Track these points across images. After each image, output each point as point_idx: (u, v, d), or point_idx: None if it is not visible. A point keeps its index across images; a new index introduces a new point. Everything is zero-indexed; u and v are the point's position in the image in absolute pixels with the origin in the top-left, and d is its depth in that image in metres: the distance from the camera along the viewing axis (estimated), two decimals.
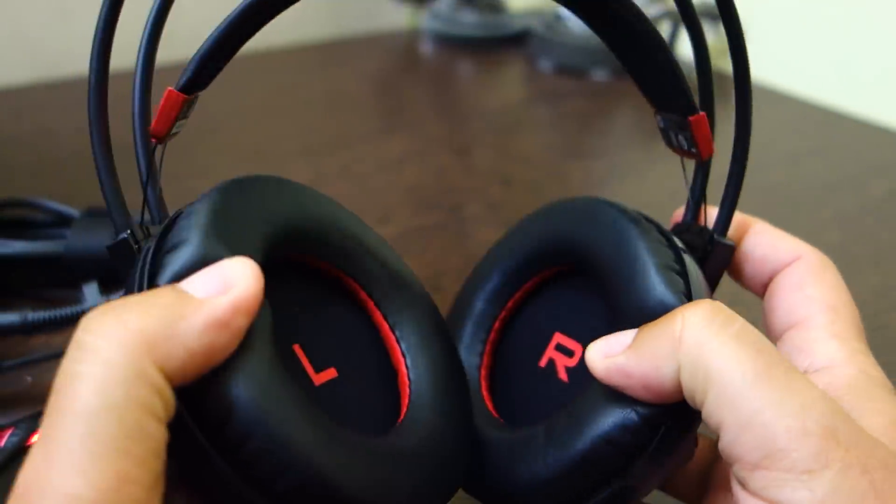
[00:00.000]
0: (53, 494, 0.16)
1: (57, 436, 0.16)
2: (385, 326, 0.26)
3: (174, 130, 0.23)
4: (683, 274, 0.23)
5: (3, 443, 0.28)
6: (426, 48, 0.86)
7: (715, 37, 0.78)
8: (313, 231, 0.25)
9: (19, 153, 0.58)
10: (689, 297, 0.23)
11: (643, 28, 0.23)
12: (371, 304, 0.26)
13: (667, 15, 0.75)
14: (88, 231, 0.40)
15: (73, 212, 0.42)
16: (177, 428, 0.18)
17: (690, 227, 0.27)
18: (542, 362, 0.27)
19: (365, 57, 0.83)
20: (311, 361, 0.24)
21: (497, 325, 0.29)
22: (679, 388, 0.21)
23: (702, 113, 0.25)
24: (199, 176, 0.55)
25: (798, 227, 0.53)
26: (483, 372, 0.28)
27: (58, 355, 0.36)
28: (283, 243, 0.24)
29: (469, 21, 0.86)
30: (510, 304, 0.29)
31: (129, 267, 0.21)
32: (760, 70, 0.78)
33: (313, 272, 0.26)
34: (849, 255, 0.48)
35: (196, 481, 0.20)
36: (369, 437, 0.22)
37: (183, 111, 0.23)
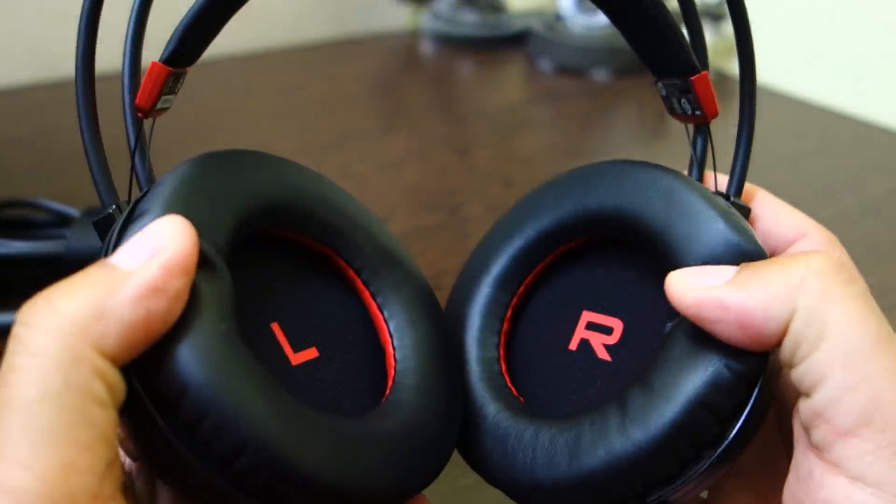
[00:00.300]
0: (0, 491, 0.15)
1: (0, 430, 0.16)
2: (373, 305, 0.25)
3: (161, 105, 0.23)
4: (743, 229, 0.22)
5: None
6: (426, 48, 0.86)
7: (716, 37, 0.78)
8: (296, 205, 0.24)
9: (19, 153, 0.58)
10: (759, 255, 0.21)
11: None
12: (359, 282, 0.25)
13: None
14: (88, 231, 0.40)
15: (73, 212, 0.42)
16: (131, 409, 0.18)
17: None
18: (573, 345, 0.25)
19: (365, 57, 0.83)
20: (289, 340, 0.23)
21: (510, 312, 0.26)
22: (779, 335, 0.19)
23: (703, 71, 0.24)
24: None
25: None
26: (503, 365, 0.26)
27: None
28: (260, 217, 0.23)
29: (469, 21, 0.86)
30: (521, 288, 0.26)
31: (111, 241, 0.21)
32: (760, 70, 0.78)
33: (298, 249, 0.25)
34: (849, 255, 0.48)
35: (154, 462, 0.19)
36: (342, 418, 0.22)
37: (168, 85, 0.22)
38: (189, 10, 0.21)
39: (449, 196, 0.55)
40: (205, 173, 0.22)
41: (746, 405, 0.20)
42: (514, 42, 0.85)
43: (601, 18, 0.79)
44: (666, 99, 0.26)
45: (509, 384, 0.25)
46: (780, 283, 0.19)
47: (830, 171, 0.61)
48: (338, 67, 0.80)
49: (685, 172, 0.26)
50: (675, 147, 0.64)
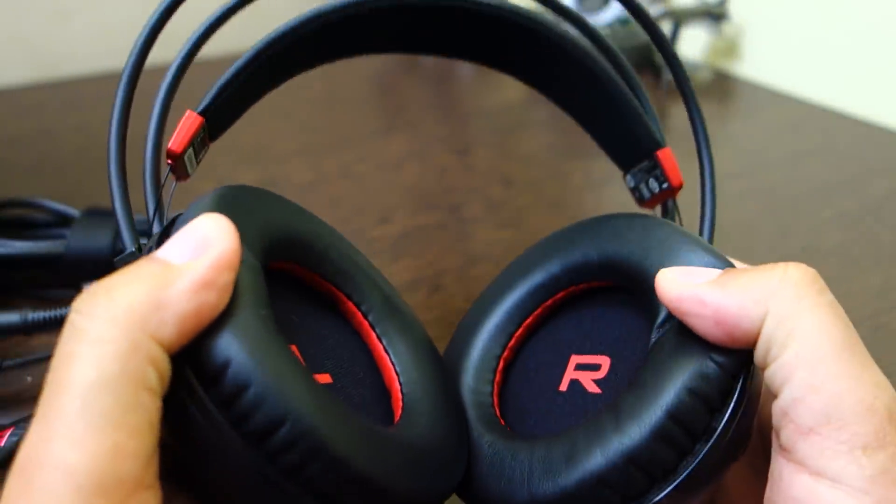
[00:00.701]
0: (52, 466, 0.16)
1: (54, 411, 0.17)
2: (379, 346, 0.27)
3: (187, 163, 0.24)
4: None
5: (3, 442, 0.28)
6: None
7: (716, 36, 0.78)
8: (315, 244, 0.26)
9: (19, 153, 0.58)
10: None
11: (581, 58, 0.24)
12: (365, 324, 0.27)
13: (667, 14, 0.75)
14: (88, 231, 0.40)
15: (73, 212, 0.42)
16: (172, 392, 0.18)
17: None
18: (563, 386, 0.26)
19: (365, 57, 0.83)
20: (307, 363, 0.24)
21: (501, 364, 0.28)
22: (752, 335, 0.20)
23: (667, 147, 0.25)
24: (199, 176, 0.55)
25: (798, 227, 0.54)
26: (497, 409, 0.27)
27: None
28: (283, 248, 0.24)
29: None
30: (512, 340, 0.28)
31: None
32: (760, 70, 0.78)
33: (309, 286, 0.26)
34: (849, 256, 0.48)
35: (191, 443, 0.19)
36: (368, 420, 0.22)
37: (197, 141, 0.24)
38: (229, 69, 0.24)
39: (449, 196, 0.55)
40: (236, 199, 0.23)
41: (733, 395, 0.21)
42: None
43: (601, 18, 0.79)
44: (634, 190, 0.27)
45: (503, 424, 0.26)
46: (756, 287, 0.20)
47: (830, 171, 0.61)
48: (338, 67, 0.80)
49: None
50: (675, 147, 0.64)
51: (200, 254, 0.19)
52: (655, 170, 0.26)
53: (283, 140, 0.63)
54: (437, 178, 0.58)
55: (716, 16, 0.76)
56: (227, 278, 0.19)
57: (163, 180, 0.24)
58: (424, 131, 0.67)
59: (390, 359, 0.26)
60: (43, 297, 0.40)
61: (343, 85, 0.76)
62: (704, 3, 0.76)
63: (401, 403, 0.25)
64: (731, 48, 0.79)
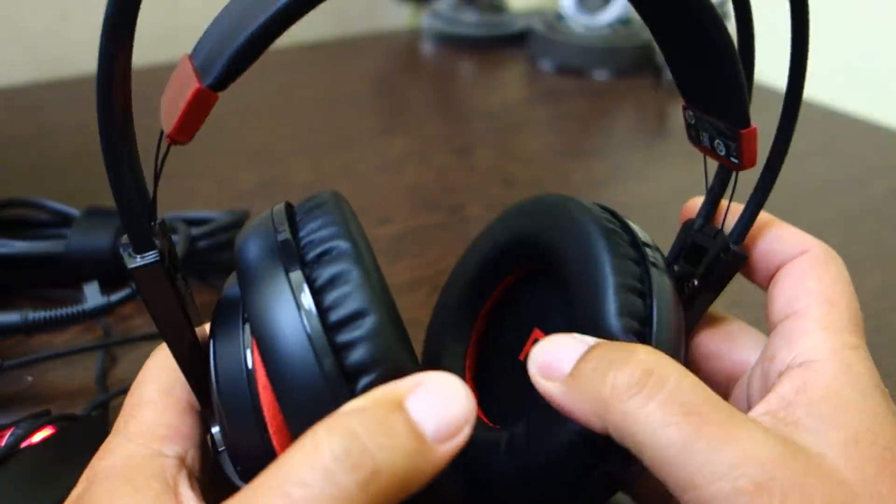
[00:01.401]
0: None
1: None
2: None
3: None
4: (647, 294, 0.23)
5: (3, 442, 0.28)
6: (427, 48, 0.86)
7: None
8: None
9: (19, 153, 0.58)
10: (647, 321, 0.22)
11: (715, 29, 0.22)
12: None
13: None
14: (89, 231, 0.40)
15: (74, 211, 0.42)
16: None
17: (704, 228, 0.27)
18: (522, 356, 0.27)
19: (365, 57, 0.83)
20: None
21: (478, 325, 0.29)
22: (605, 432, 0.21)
23: (754, 126, 0.24)
24: (200, 176, 0.55)
25: (798, 227, 0.53)
26: (468, 374, 0.28)
27: (58, 355, 0.36)
28: None
29: (469, 21, 0.86)
30: (488, 304, 0.29)
31: (156, 284, 0.20)
32: (760, 70, 0.78)
33: None
34: (849, 256, 0.48)
35: None
36: None
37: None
38: (242, 34, 0.19)
39: (449, 196, 0.55)
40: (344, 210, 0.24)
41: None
42: (514, 42, 0.85)
43: (602, 18, 0.79)
44: (692, 127, 0.26)
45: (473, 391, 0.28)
46: (593, 399, 0.20)
47: (830, 171, 0.61)
48: (338, 67, 0.80)
49: (701, 200, 0.27)
50: (674, 147, 0.64)
51: (454, 438, 0.18)
52: (731, 140, 0.24)
53: (284, 140, 0.63)
54: (437, 178, 0.58)
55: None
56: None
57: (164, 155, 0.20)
58: (424, 131, 0.67)
59: None
60: (43, 297, 0.40)
61: (343, 85, 0.76)
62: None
63: None
64: None
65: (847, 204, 0.55)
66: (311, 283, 0.20)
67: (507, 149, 0.65)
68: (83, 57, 0.72)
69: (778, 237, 0.26)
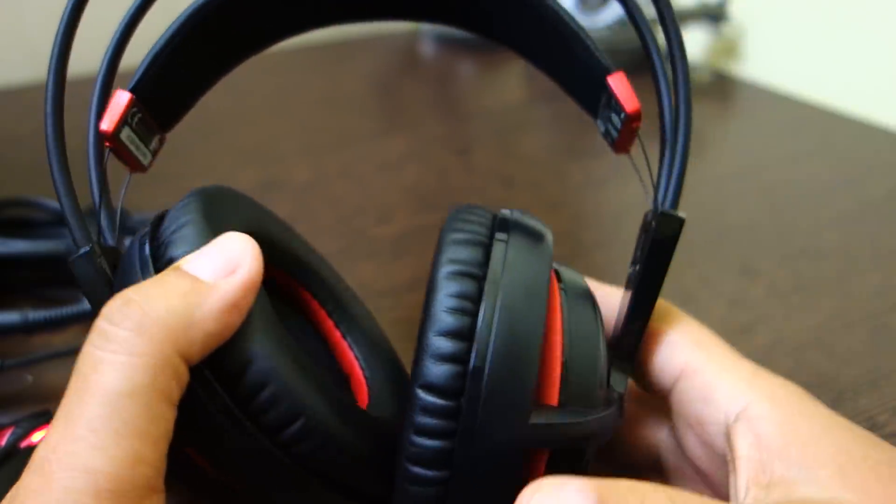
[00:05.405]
0: (73, 467, 0.17)
1: (81, 414, 0.17)
2: (337, 334, 0.29)
3: (136, 153, 0.24)
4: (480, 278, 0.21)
5: (3, 442, 0.28)
6: (426, 48, 0.86)
7: (716, 37, 0.78)
8: (278, 242, 0.27)
9: (19, 153, 0.58)
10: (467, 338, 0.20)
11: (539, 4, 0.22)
12: (323, 313, 0.28)
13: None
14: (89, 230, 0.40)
15: None
16: (189, 397, 0.19)
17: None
18: None
19: (365, 57, 0.83)
20: None
21: None
22: None
23: (619, 71, 0.23)
24: (200, 176, 0.55)
25: (798, 227, 0.54)
26: None
27: (58, 355, 0.36)
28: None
29: None
30: None
31: (91, 276, 0.22)
32: (760, 70, 0.78)
33: (272, 281, 0.28)
34: (849, 256, 0.48)
35: (209, 443, 0.20)
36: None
37: (137, 127, 0.23)
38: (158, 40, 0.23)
39: (449, 196, 0.55)
40: (221, 200, 0.24)
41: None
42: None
43: (602, 18, 0.79)
44: (606, 135, 0.25)
45: None
46: None
47: (830, 171, 0.61)
48: (338, 67, 0.80)
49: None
50: None
51: (230, 274, 0.19)
52: (612, 101, 0.23)
53: (284, 140, 0.63)
54: (437, 178, 0.58)
55: (715, 16, 0.76)
56: (251, 300, 0.20)
57: (105, 161, 0.24)
58: (424, 131, 0.67)
59: (349, 344, 0.28)
60: (43, 297, 0.40)
61: (343, 85, 0.76)
62: (704, 4, 0.76)
63: (365, 386, 0.27)
64: (730, 49, 0.79)
65: (846, 204, 0.55)
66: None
67: (506, 149, 0.65)
68: (83, 57, 0.72)
69: (667, 343, 0.25)
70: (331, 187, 0.55)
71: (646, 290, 0.23)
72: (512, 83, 0.81)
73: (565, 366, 0.21)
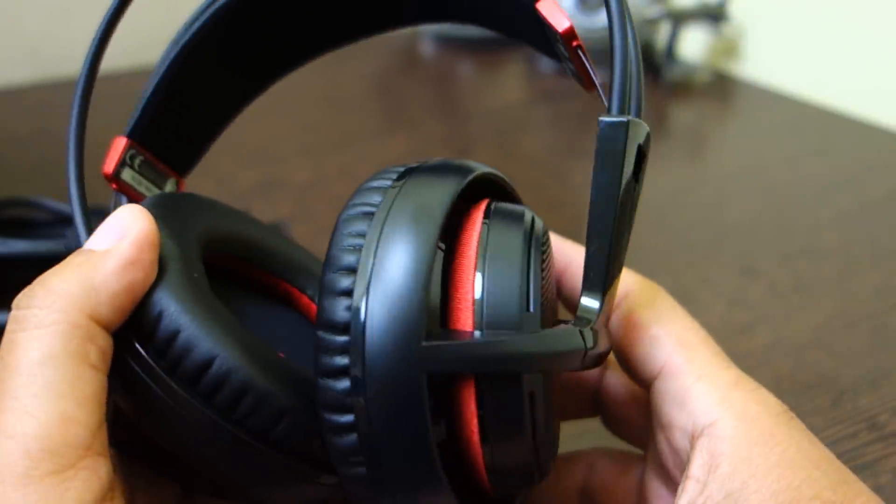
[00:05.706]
0: (5, 436, 0.17)
1: (3, 390, 0.18)
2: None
3: (138, 190, 0.25)
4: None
5: None
6: (426, 48, 0.86)
7: (716, 37, 0.78)
8: (257, 242, 0.27)
9: (19, 153, 0.58)
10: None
11: None
12: (305, 298, 0.28)
13: (667, 15, 0.75)
14: (89, 230, 0.40)
15: None
16: (118, 363, 0.20)
17: None
18: None
19: (365, 57, 0.83)
20: None
21: None
22: None
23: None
24: (199, 175, 0.55)
25: (798, 227, 0.54)
26: None
27: None
28: (222, 244, 0.25)
29: None
30: None
31: None
32: (760, 71, 0.78)
33: (260, 284, 0.28)
34: (848, 256, 0.48)
35: (138, 404, 0.21)
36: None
37: (139, 167, 0.25)
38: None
39: None
40: (167, 202, 0.24)
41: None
42: (514, 42, 0.85)
43: (601, 18, 0.79)
44: (574, 75, 0.25)
45: None
46: None
47: (830, 171, 0.61)
48: (338, 67, 0.80)
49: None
50: (674, 147, 0.64)
51: (121, 238, 0.20)
52: (549, 30, 0.22)
53: (283, 140, 0.63)
54: None
55: (716, 16, 0.76)
56: (151, 255, 0.20)
57: (111, 203, 0.25)
58: (424, 131, 0.67)
59: None
60: None
61: (343, 85, 0.76)
62: (704, 4, 0.76)
63: None
64: (730, 49, 0.79)
65: (846, 204, 0.55)
66: None
67: (506, 149, 0.65)
68: (83, 57, 0.72)
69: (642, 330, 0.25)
70: (331, 187, 0.55)
71: (600, 204, 0.22)
72: (512, 83, 0.81)
73: (484, 292, 0.20)
